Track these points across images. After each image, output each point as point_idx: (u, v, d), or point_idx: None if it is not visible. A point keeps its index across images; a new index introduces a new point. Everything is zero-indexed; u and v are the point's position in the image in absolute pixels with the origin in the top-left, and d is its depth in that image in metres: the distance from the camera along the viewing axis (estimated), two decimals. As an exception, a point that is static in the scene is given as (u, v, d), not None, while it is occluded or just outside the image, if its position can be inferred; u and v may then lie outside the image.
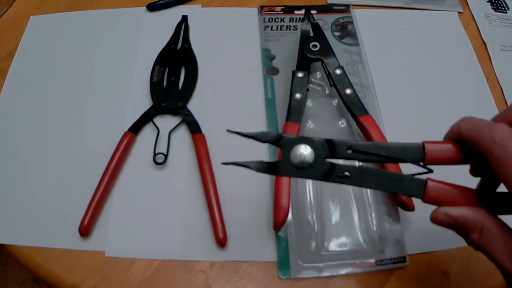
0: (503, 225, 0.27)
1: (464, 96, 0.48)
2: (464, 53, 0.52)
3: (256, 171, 0.29)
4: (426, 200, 0.29)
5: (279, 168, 0.29)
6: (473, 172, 0.33)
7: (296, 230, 0.38)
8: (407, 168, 0.30)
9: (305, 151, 0.29)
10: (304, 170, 0.29)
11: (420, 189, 0.29)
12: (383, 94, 0.47)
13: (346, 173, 0.29)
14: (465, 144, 0.29)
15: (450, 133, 0.30)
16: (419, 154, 0.29)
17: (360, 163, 0.36)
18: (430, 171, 0.29)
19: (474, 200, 0.28)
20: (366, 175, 0.29)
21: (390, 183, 0.29)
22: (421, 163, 0.29)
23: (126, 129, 0.44)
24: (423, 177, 0.29)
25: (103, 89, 0.48)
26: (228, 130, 0.30)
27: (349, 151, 0.29)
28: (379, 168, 0.40)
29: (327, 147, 0.29)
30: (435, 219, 0.28)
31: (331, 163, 0.29)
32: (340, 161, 0.29)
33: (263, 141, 0.30)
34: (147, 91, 0.47)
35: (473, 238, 0.27)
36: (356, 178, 0.29)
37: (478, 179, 0.32)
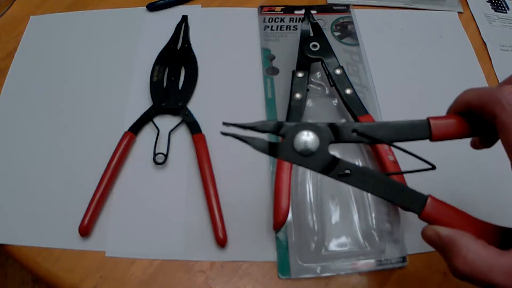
0: (492, 248, 0.25)
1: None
2: (464, 53, 0.52)
3: (254, 148, 0.28)
4: (423, 216, 0.28)
5: (279, 150, 0.28)
6: (475, 145, 0.32)
7: (296, 230, 0.38)
8: (411, 161, 0.29)
9: (308, 138, 0.28)
10: (305, 157, 0.28)
11: (419, 204, 0.28)
12: (383, 94, 0.47)
13: (347, 171, 0.28)
14: (470, 116, 0.28)
15: (454, 105, 0.29)
16: (425, 130, 0.28)
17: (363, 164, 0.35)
18: (433, 167, 0.29)
19: (472, 227, 0.27)
20: (367, 177, 0.28)
21: (390, 191, 0.28)
22: (426, 160, 0.28)
23: (126, 129, 0.44)
24: (425, 190, 0.28)
25: (103, 89, 0.48)
26: (224, 123, 0.28)
27: (354, 134, 0.28)
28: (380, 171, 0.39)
29: (331, 132, 0.28)
30: (423, 234, 0.28)
31: (334, 157, 0.28)
32: (339, 155, 0.28)
33: (263, 131, 0.28)
34: (147, 91, 0.47)
35: (456, 264, 0.25)
36: (357, 179, 0.28)
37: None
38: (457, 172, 0.42)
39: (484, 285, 0.24)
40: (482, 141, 0.32)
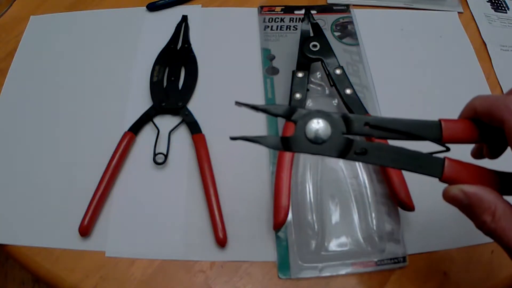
0: None
1: (464, 96, 0.47)
2: (464, 53, 0.52)
3: (267, 147, 0.28)
4: (444, 179, 0.28)
5: (293, 143, 0.28)
6: (477, 154, 0.33)
7: (296, 230, 0.38)
8: (422, 147, 0.29)
9: (321, 125, 0.28)
10: (319, 145, 0.28)
11: (437, 168, 0.28)
12: (383, 94, 0.47)
13: (364, 150, 0.28)
14: (480, 123, 0.28)
15: (464, 113, 0.30)
16: (436, 131, 0.28)
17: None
18: (448, 149, 0.29)
19: (492, 182, 0.28)
20: (384, 152, 0.28)
21: (408, 161, 0.28)
22: (438, 141, 0.29)
23: (126, 129, 0.44)
24: (440, 156, 0.28)
25: (103, 89, 0.48)
26: (237, 102, 0.28)
27: (366, 127, 0.28)
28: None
29: (343, 123, 0.28)
30: (447, 194, 0.28)
31: (348, 138, 0.28)
32: (357, 138, 0.28)
33: (275, 115, 0.28)
34: (147, 91, 0.47)
35: (485, 219, 0.26)
36: (374, 155, 0.28)
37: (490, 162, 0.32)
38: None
39: (503, 245, 0.25)
40: (490, 151, 0.32)
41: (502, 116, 0.26)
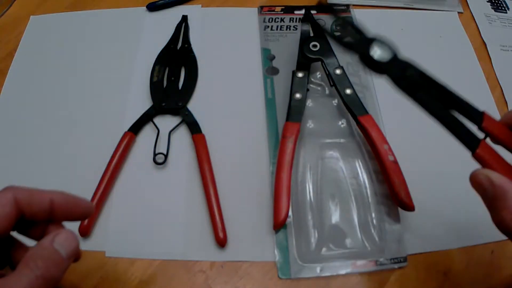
0: None
1: (464, 96, 0.48)
2: (464, 53, 0.52)
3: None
4: (475, 155, 0.28)
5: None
6: None
7: (296, 230, 0.39)
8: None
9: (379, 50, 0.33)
10: (383, 64, 0.32)
11: (474, 142, 0.28)
12: (383, 94, 0.47)
13: (418, 81, 0.31)
14: None
15: (503, 119, 0.30)
16: (478, 118, 0.29)
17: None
18: (486, 136, 0.29)
19: None
20: (434, 94, 0.30)
21: (452, 120, 0.29)
22: (478, 126, 0.29)
23: (126, 129, 0.44)
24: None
25: (103, 89, 0.48)
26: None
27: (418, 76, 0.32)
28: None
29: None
30: (474, 178, 0.27)
31: (406, 62, 0.33)
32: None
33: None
34: (147, 91, 0.47)
35: (504, 217, 0.25)
36: (425, 94, 0.30)
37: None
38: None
39: None
40: None
41: None
